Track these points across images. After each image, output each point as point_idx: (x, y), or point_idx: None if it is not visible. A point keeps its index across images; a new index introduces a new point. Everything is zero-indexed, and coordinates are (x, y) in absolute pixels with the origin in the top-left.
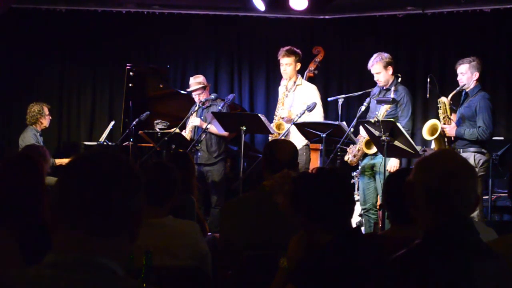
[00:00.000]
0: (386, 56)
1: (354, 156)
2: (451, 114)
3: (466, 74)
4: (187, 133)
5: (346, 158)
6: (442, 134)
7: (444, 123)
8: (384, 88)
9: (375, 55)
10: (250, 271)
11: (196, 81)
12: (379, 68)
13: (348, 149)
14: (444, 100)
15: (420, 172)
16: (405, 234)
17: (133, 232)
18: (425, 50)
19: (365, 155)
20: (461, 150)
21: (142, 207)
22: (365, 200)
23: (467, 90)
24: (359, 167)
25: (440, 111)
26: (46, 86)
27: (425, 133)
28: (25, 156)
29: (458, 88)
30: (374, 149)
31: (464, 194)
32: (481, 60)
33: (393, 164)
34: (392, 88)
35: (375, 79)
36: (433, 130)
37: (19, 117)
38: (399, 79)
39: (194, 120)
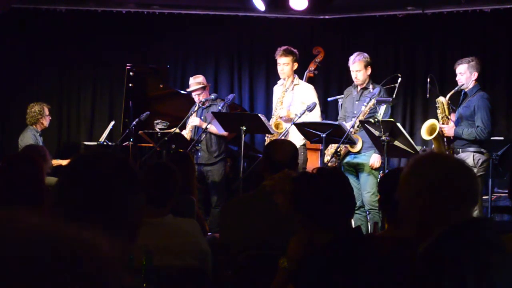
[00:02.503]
0: (366, 56)
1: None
2: (449, 114)
3: (465, 74)
4: (187, 133)
5: (325, 160)
6: (441, 134)
7: (443, 123)
8: (361, 87)
9: (356, 54)
10: (250, 271)
11: (196, 81)
12: (360, 66)
13: (326, 151)
14: (442, 100)
15: (420, 172)
16: (402, 234)
17: (133, 232)
18: (425, 50)
19: (347, 154)
20: (460, 150)
21: (142, 207)
22: None
23: (466, 90)
24: (342, 165)
25: (439, 111)
26: (46, 86)
27: (424, 133)
28: (25, 156)
29: (456, 88)
30: (358, 147)
31: (470, 193)
32: (480, 60)
33: (375, 159)
34: (370, 87)
35: (354, 76)
36: (431, 130)
37: (19, 117)
38: (399, 79)
39: (193, 120)
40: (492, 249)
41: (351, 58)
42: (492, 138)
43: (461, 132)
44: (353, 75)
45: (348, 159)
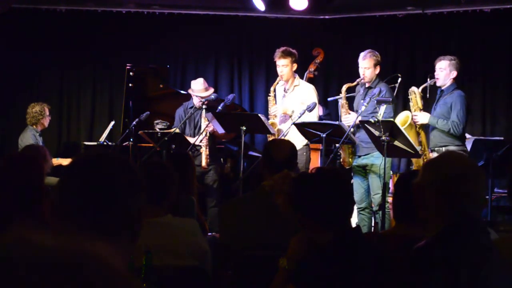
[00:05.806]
0: (377, 54)
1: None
2: (422, 106)
3: (445, 70)
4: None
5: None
6: (413, 123)
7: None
8: (367, 86)
9: (368, 51)
10: (250, 271)
11: (204, 87)
12: (369, 64)
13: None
14: (415, 90)
15: (430, 174)
16: (409, 232)
17: (134, 232)
18: (425, 50)
19: (355, 154)
20: (443, 148)
21: (143, 207)
22: (360, 199)
23: (443, 87)
24: (352, 167)
25: (411, 104)
26: (46, 86)
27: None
28: (25, 156)
29: (430, 81)
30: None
31: (473, 195)
32: (461, 62)
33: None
34: (376, 86)
35: (362, 73)
36: (405, 123)
37: (19, 117)
38: (399, 79)
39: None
40: (484, 251)
41: (362, 54)
42: (492, 138)
43: (435, 121)
44: (361, 71)
45: (357, 160)
